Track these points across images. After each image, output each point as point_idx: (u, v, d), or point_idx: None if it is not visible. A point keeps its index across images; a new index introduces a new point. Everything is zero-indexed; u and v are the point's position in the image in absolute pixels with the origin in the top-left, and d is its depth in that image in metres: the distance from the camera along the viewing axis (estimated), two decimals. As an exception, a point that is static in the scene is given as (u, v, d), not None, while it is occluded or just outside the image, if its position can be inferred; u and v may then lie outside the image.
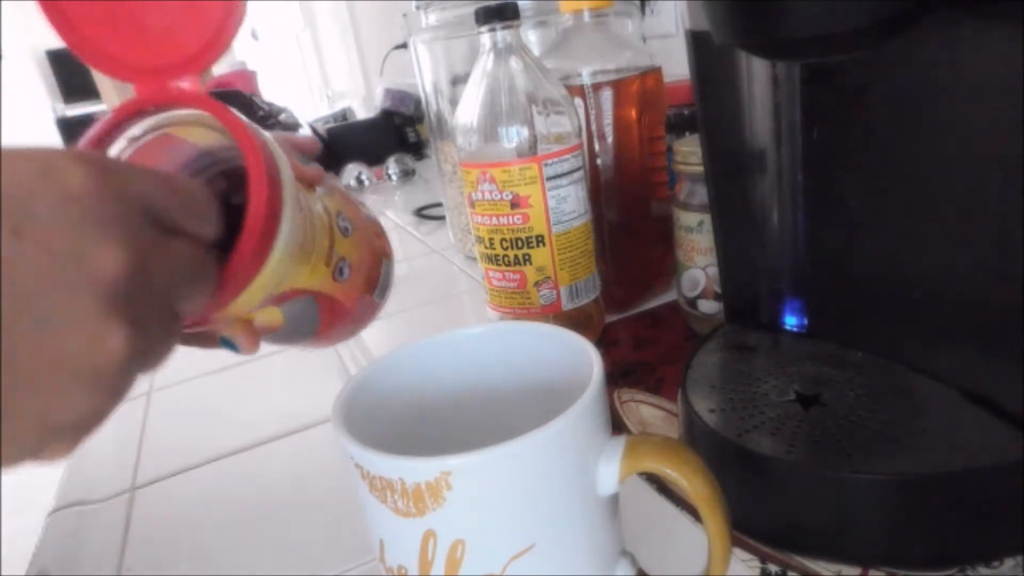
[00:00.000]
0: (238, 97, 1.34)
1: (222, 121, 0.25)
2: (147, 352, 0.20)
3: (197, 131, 0.27)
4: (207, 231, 0.23)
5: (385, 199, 1.20)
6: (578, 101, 0.51)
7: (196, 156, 0.28)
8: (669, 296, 0.58)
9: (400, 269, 0.74)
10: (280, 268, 0.26)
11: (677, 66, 0.50)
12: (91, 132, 0.26)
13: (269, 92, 1.60)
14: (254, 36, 4.12)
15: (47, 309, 0.18)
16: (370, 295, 0.33)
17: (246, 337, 0.30)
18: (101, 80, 1.79)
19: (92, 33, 0.26)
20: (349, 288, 0.32)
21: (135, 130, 0.26)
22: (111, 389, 0.19)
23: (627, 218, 0.55)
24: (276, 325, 0.30)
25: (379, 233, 0.36)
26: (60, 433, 0.19)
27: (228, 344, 0.30)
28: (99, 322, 0.18)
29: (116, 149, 0.26)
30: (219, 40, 0.26)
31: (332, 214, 0.32)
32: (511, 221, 0.47)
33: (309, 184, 0.31)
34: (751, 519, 0.31)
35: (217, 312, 0.26)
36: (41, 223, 0.18)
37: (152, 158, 0.26)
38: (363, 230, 0.34)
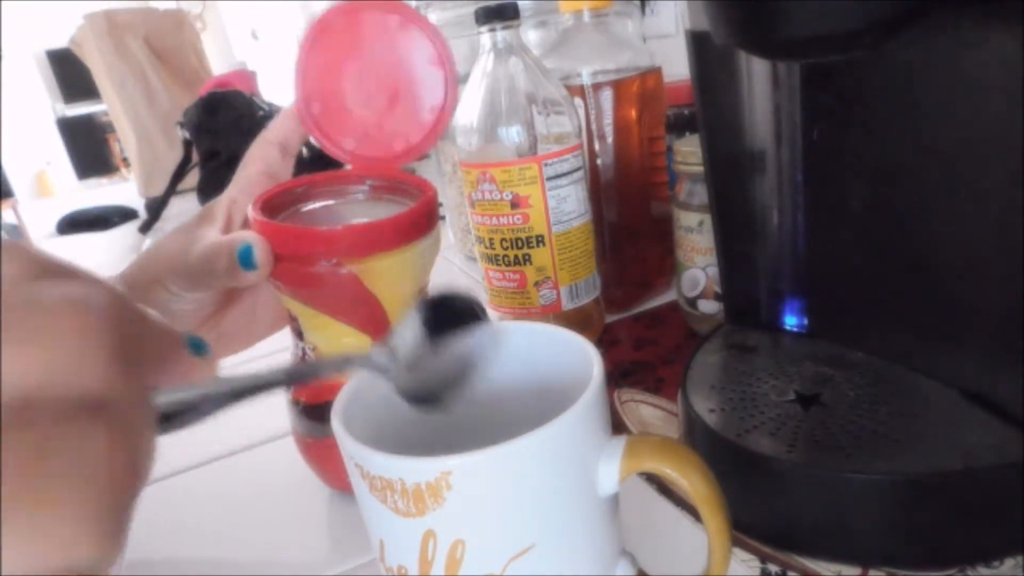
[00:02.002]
0: (238, 97, 1.34)
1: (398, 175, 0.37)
2: None
3: (365, 208, 0.37)
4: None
5: (385, 199, 1.20)
6: (578, 101, 0.51)
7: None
8: (669, 296, 0.58)
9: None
10: (423, 256, 0.35)
11: (677, 66, 0.50)
12: (291, 183, 0.36)
13: (269, 92, 1.60)
14: (254, 36, 4.11)
15: None
16: None
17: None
18: (101, 81, 1.79)
19: (334, 133, 0.36)
20: None
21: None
22: None
23: (627, 218, 0.55)
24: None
25: None
26: None
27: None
28: None
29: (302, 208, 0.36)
30: (427, 143, 0.37)
31: None
32: (511, 221, 0.47)
33: None
34: (751, 519, 0.31)
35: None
36: None
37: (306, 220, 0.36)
38: None
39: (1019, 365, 0.29)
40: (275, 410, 0.51)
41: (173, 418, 0.18)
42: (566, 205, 0.47)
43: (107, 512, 0.13)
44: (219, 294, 0.36)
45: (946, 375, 0.32)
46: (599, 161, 0.53)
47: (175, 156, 1.39)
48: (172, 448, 0.50)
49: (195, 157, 1.34)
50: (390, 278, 0.34)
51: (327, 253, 0.32)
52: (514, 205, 0.46)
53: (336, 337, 0.35)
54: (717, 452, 0.32)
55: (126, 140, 1.80)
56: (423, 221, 0.34)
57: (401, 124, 0.37)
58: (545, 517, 0.22)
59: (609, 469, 0.23)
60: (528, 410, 0.28)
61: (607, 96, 0.51)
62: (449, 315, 0.24)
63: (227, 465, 0.47)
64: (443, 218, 0.83)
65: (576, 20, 0.53)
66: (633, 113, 0.53)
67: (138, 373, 0.15)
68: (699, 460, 0.23)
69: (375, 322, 0.35)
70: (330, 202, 0.37)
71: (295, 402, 0.38)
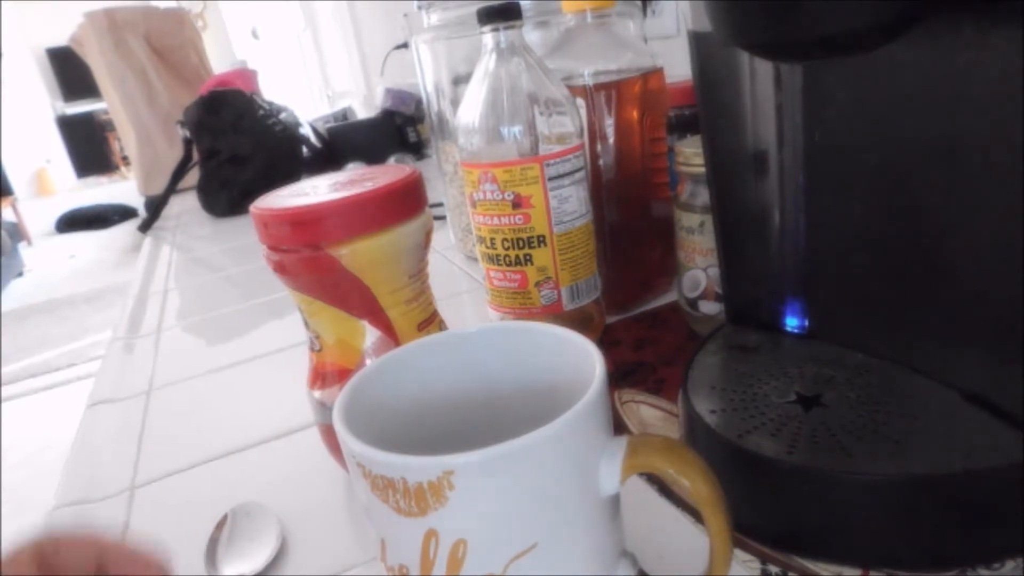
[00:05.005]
0: (238, 96, 1.34)
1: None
2: None
3: None
4: None
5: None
6: (580, 101, 0.51)
7: None
8: (670, 297, 0.58)
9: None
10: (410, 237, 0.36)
11: (679, 67, 0.50)
12: None
13: (270, 91, 1.60)
14: (255, 35, 4.12)
15: None
16: None
17: None
18: (101, 79, 1.79)
19: None
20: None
21: None
22: None
23: (628, 219, 0.55)
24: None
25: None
26: None
27: None
28: None
29: None
30: None
31: None
32: (512, 221, 0.47)
33: None
34: (752, 520, 0.31)
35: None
36: None
37: None
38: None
39: (1019, 365, 0.29)
40: (268, 415, 0.52)
41: None
42: (567, 205, 0.47)
43: None
44: None
45: (946, 375, 0.32)
46: (601, 161, 0.53)
47: (175, 155, 1.39)
48: (170, 450, 0.50)
49: (195, 156, 1.34)
50: (372, 262, 0.34)
51: (307, 237, 0.33)
52: (515, 205, 0.46)
53: (332, 322, 0.36)
54: (718, 453, 0.32)
55: (126, 138, 1.80)
56: (400, 203, 0.35)
57: None
58: (547, 517, 0.22)
59: (610, 469, 0.23)
60: (529, 410, 0.28)
61: (609, 97, 0.51)
62: None
63: (224, 467, 0.47)
64: (443, 218, 0.83)
65: (578, 20, 0.53)
66: (635, 114, 0.53)
67: None
68: (700, 461, 0.23)
69: (366, 306, 0.35)
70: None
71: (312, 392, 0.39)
